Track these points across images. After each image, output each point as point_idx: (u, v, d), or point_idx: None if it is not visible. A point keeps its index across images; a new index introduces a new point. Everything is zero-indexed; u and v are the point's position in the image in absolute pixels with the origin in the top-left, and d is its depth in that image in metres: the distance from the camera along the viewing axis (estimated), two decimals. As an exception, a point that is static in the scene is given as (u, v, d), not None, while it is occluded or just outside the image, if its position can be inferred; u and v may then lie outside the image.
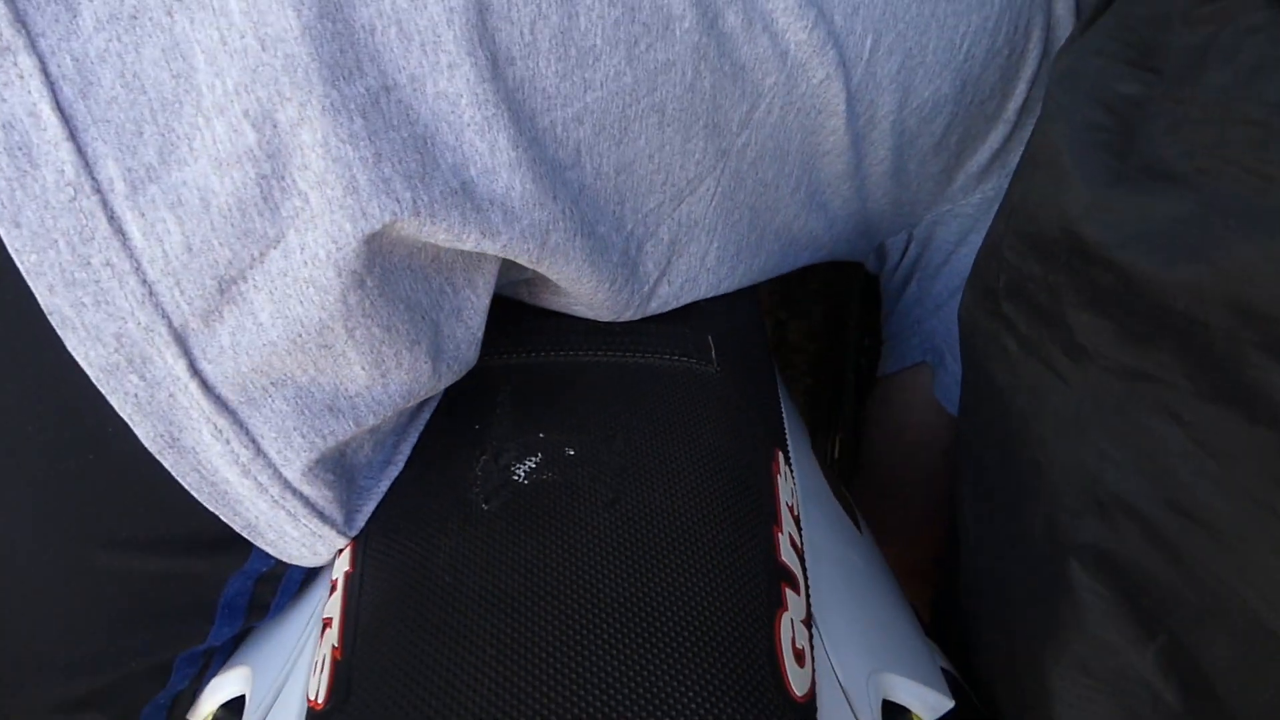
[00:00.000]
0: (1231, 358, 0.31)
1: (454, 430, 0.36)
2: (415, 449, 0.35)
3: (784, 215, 0.44)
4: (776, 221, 0.43)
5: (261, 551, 0.32)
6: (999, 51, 0.45)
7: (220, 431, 0.29)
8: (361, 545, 0.33)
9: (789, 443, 0.40)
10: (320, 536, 0.32)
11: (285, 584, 0.34)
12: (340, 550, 0.34)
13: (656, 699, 0.27)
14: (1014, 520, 0.40)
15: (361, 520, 0.33)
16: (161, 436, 0.29)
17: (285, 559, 0.33)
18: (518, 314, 0.40)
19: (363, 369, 0.31)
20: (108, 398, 0.28)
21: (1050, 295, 0.38)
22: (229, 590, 0.33)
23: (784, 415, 0.42)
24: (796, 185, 0.43)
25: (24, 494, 0.29)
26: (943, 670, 0.41)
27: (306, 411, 0.30)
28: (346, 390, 0.31)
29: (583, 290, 0.36)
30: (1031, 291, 0.39)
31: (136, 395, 0.29)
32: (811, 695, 0.30)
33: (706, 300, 0.43)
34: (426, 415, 0.36)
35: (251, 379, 0.29)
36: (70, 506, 0.29)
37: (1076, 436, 0.37)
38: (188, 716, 0.36)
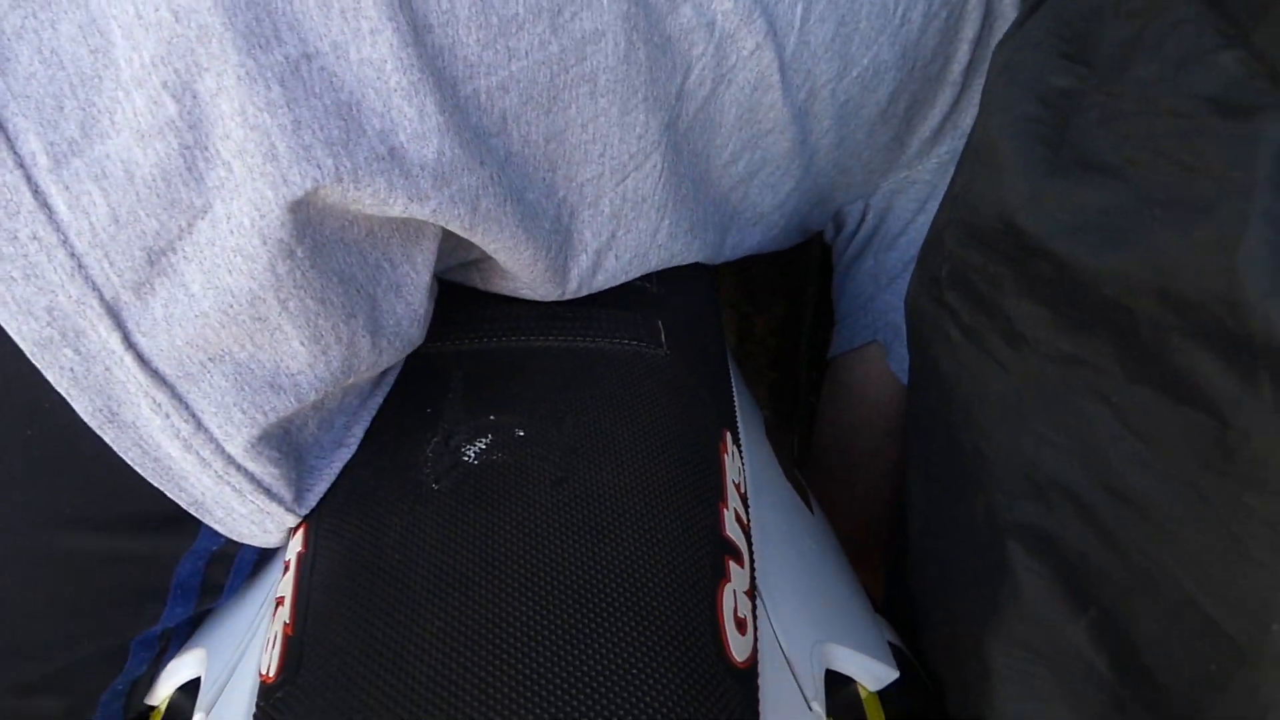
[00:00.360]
0: (1157, 343, 0.32)
1: (406, 414, 0.36)
2: (368, 432, 0.36)
3: (719, 186, 0.44)
4: (712, 193, 0.44)
5: (211, 530, 0.33)
6: (936, 14, 0.45)
7: (159, 405, 0.30)
8: (313, 526, 0.33)
9: (739, 425, 0.41)
10: (269, 514, 0.33)
11: (238, 565, 0.35)
12: (293, 530, 0.34)
13: (599, 668, 0.27)
14: (958, 502, 0.41)
15: (313, 499, 0.34)
16: (100, 411, 0.29)
17: (235, 537, 0.33)
18: (471, 300, 0.41)
19: (301, 343, 0.31)
20: (43, 372, 0.28)
21: (991, 284, 0.39)
22: (181, 571, 0.33)
23: (735, 399, 0.43)
24: (732, 158, 0.43)
25: None
26: (891, 645, 0.42)
27: (246, 388, 0.31)
28: (288, 367, 0.31)
29: (521, 260, 0.36)
30: (973, 280, 0.40)
31: (72, 369, 0.29)
32: (752, 662, 0.31)
33: (660, 287, 0.43)
34: (379, 399, 0.37)
35: (188, 353, 0.30)
36: (10, 484, 0.30)
37: (1016, 422, 0.38)
38: (145, 701, 0.37)
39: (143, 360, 0.29)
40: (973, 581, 0.40)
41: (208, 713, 0.32)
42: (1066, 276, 0.35)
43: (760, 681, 0.31)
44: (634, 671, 0.27)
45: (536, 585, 0.29)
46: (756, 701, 0.30)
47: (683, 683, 0.28)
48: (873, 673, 0.38)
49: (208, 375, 0.30)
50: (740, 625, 0.31)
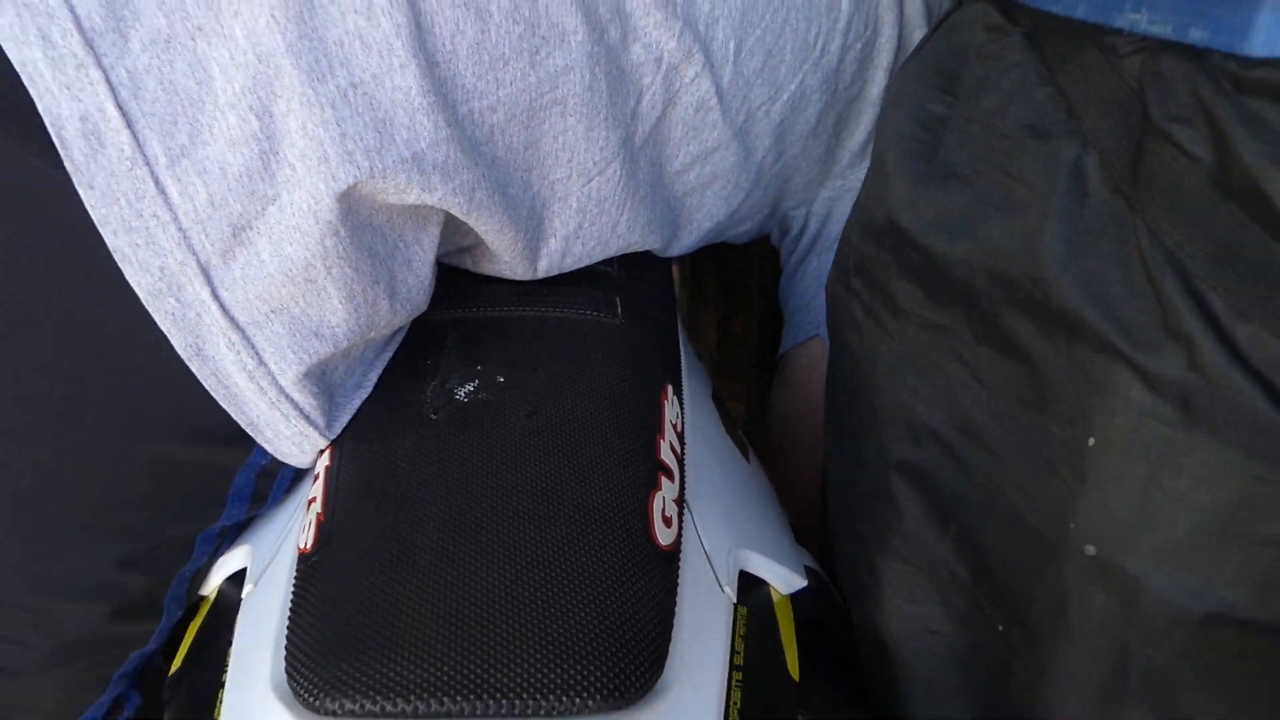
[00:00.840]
0: (992, 313, 0.42)
1: (411, 365, 0.46)
2: (380, 378, 0.45)
3: (673, 191, 0.53)
4: (667, 196, 0.54)
5: (261, 449, 0.42)
6: (850, 46, 0.55)
7: (233, 344, 0.39)
8: (339, 447, 0.43)
9: (683, 383, 0.50)
10: (306, 436, 0.42)
11: (279, 480, 0.44)
12: (321, 452, 0.43)
13: (553, 546, 0.37)
14: (857, 447, 0.50)
15: (338, 428, 0.43)
16: (190, 346, 0.39)
17: (279, 456, 0.42)
18: (464, 280, 0.50)
19: (340, 302, 0.40)
20: (153, 315, 0.38)
21: (881, 270, 0.48)
22: (237, 481, 0.42)
23: (683, 365, 0.52)
24: (683, 168, 0.53)
25: (90, 393, 0.39)
26: (808, 568, 0.51)
27: (298, 334, 0.40)
28: (329, 321, 0.41)
29: (504, 240, 0.46)
30: (869, 268, 0.49)
31: (174, 314, 0.38)
32: (675, 548, 0.40)
33: (620, 272, 0.53)
34: (390, 353, 0.46)
35: (257, 305, 0.39)
36: (126, 403, 0.39)
37: (898, 379, 0.47)
38: (199, 592, 0.46)
39: (224, 309, 0.39)
40: (867, 510, 0.49)
41: (256, 583, 0.41)
42: (931, 262, 0.44)
43: (680, 564, 0.40)
44: (579, 545, 0.37)
45: (510, 487, 0.39)
46: (676, 575, 0.39)
47: (614, 554, 0.37)
48: (783, 578, 0.47)
49: (270, 324, 0.40)
50: (667, 521, 0.40)
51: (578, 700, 0.33)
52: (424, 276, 0.44)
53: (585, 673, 0.33)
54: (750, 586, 0.46)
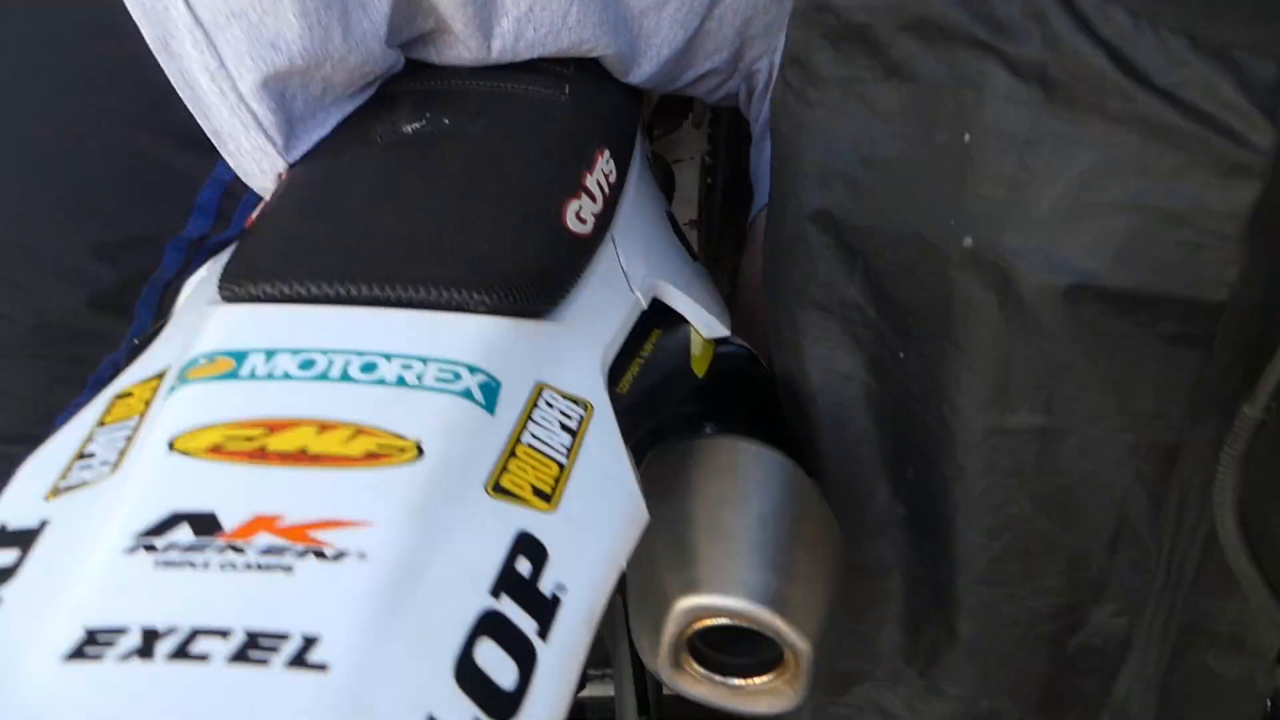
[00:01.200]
0: (886, 44, 0.46)
1: (368, 114, 0.51)
2: (340, 124, 0.50)
3: (629, 7, 0.58)
4: (622, 10, 0.58)
5: (225, 165, 0.47)
6: None
7: (197, 43, 0.44)
8: (293, 168, 0.48)
9: (631, 165, 0.54)
10: (265, 154, 0.46)
11: (242, 205, 0.49)
12: (280, 176, 0.48)
13: (468, 204, 0.41)
14: (782, 212, 0.54)
15: (295, 155, 0.48)
16: (159, 40, 0.44)
17: (239, 172, 0.47)
18: (425, 67, 0.55)
19: (294, 16, 0.45)
20: (126, 5, 0.43)
21: (804, 49, 0.52)
22: (203, 194, 0.47)
23: (634, 159, 0.56)
24: None
25: (71, 78, 0.44)
26: (742, 345, 0.54)
27: (256, 42, 0.45)
28: (284, 35, 0.45)
29: (455, 5, 0.50)
30: (797, 54, 0.53)
31: (144, 4, 0.43)
32: (588, 239, 0.44)
33: (576, 73, 0.57)
34: (352, 107, 0.51)
35: (219, 7, 0.44)
36: (103, 89, 0.44)
37: (817, 139, 0.51)
38: (171, 311, 0.51)
39: (189, 5, 0.44)
40: (787, 265, 0.53)
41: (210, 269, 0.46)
42: (841, 21, 0.48)
43: (591, 256, 0.44)
44: (492, 206, 0.41)
45: (437, 174, 0.44)
46: (584, 255, 0.43)
47: (523, 215, 0.41)
48: (705, 322, 0.50)
49: (230, 26, 0.44)
50: (581, 221, 0.44)
51: (466, 294, 0.37)
52: (378, 25, 0.49)
53: (480, 275, 0.37)
54: (670, 324, 0.49)
